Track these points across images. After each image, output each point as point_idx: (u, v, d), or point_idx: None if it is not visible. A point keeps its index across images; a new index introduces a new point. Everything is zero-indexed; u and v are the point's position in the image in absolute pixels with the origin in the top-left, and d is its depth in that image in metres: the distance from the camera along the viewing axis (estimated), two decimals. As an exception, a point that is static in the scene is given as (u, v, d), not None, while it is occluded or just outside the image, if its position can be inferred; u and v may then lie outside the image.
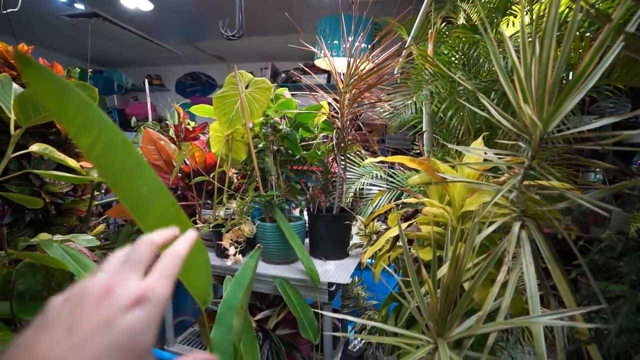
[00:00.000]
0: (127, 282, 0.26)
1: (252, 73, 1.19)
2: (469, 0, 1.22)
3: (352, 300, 1.17)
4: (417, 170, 0.80)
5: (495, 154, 0.66)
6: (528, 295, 0.51)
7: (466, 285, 0.67)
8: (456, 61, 1.18)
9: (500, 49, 0.97)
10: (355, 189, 1.36)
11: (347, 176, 1.31)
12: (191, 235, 0.35)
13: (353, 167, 1.42)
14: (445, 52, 1.26)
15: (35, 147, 0.74)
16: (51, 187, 1.21)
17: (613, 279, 0.59)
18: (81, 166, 0.96)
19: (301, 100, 1.26)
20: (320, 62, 2.21)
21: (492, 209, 0.66)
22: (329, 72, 2.82)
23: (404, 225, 0.75)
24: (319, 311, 0.68)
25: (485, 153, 0.65)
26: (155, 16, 2.74)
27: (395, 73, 1.27)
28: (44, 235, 0.89)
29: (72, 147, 1.31)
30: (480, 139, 0.78)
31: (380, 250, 0.94)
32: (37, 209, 1.28)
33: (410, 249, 0.75)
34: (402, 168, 1.44)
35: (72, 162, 0.82)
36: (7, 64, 1.11)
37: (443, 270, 0.59)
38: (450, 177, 0.69)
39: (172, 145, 1.34)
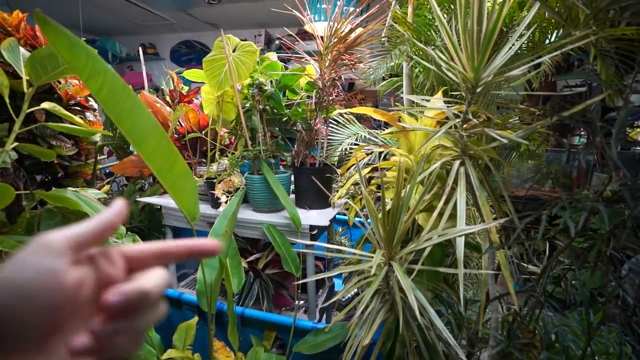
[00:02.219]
0: None
1: (245, 40, 1.25)
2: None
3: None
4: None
5: (445, 102, 0.76)
6: (457, 216, 0.63)
7: (419, 218, 0.80)
8: (436, 22, 1.24)
9: (469, 9, 1.03)
10: (343, 149, 1.47)
11: (335, 137, 1.40)
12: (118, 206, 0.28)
13: (340, 129, 1.52)
14: (426, 14, 1.31)
15: (46, 105, 0.84)
16: (58, 149, 1.32)
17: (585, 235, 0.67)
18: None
19: (293, 65, 1.33)
20: (308, 27, 2.23)
21: (440, 151, 0.77)
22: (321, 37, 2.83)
23: (367, 170, 0.86)
24: (303, 250, 0.80)
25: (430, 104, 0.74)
26: (146, -19, 2.71)
27: (382, 35, 1.33)
28: (56, 190, 1.01)
29: (74, 113, 1.40)
30: (440, 92, 0.87)
31: (352, 197, 1.06)
32: (46, 171, 1.40)
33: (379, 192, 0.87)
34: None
35: (77, 118, 0.92)
36: (4, 31, 1.18)
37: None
38: (408, 126, 0.79)
39: (168, 108, 1.43)
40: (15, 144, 0.80)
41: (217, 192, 1.06)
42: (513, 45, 0.62)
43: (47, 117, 1.12)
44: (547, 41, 0.94)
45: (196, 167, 1.31)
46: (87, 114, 1.47)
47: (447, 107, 0.74)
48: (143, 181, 1.63)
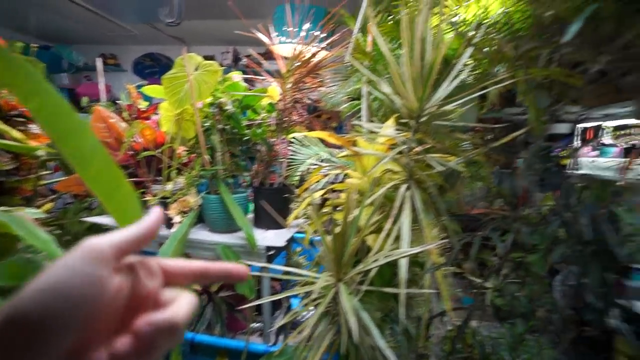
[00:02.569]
0: None
1: (213, 56, 1.26)
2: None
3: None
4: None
5: (396, 130, 0.81)
6: (402, 238, 0.66)
7: (368, 239, 0.83)
8: (392, 52, 1.33)
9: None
10: (304, 169, 1.49)
11: (297, 157, 1.42)
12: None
13: (302, 150, 1.54)
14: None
15: (-23, 117, 0.78)
16: (-6, 163, 1.22)
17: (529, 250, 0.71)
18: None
19: (257, 85, 1.34)
20: (275, 49, 2.28)
21: (390, 175, 0.81)
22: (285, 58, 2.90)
23: (321, 192, 0.88)
24: (257, 273, 0.79)
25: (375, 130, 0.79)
26: (108, -8, 2.64)
27: (345, 60, 1.39)
28: (-15, 207, 0.92)
29: (15, 125, 1.31)
30: (392, 119, 0.93)
31: (309, 217, 1.07)
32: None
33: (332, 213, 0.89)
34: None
35: (15, 133, 0.87)
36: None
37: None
38: (360, 150, 0.83)
39: (123, 124, 1.38)
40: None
41: (171, 212, 1.03)
42: (452, 81, 0.68)
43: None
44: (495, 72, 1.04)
45: (151, 185, 1.26)
46: (31, 125, 1.38)
47: (397, 134, 0.79)
48: (90, 199, 1.53)
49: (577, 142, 2.26)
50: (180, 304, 0.24)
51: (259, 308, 1.19)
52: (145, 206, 1.24)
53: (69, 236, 1.42)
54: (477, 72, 0.99)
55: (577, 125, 2.09)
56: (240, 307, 1.10)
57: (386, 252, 0.66)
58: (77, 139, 0.49)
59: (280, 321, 1.28)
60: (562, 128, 2.50)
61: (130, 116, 1.52)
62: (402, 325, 0.81)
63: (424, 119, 0.72)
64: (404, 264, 0.61)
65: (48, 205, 1.52)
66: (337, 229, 0.68)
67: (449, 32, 0.95)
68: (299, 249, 1.35)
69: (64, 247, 1.25)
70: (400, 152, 0.72)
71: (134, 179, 1.36)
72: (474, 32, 0.75)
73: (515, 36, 0.76)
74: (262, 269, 1.06)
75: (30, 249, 0.93)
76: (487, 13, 0.85)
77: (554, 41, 0.64)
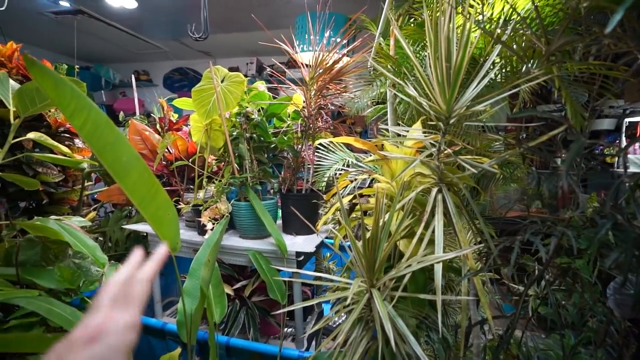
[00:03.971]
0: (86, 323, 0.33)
1: (237, 68, 1.30)
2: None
3: (323, 273, 1.31)
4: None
5: (423, 132, 0.79)
6: (435, 243, 0.65)
7: (400, 244, 0.81)
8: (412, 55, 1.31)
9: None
10: (330, 175, 1.49)
11: (323, 163, 1.43)
12: (159, 254, 0.43)
13: (328, 155, 1.55)
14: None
15: (32, 135, 0.85)
16: (44, 177, 1.32)
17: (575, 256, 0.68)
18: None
19: (282, 93, 1.37)
20: (297, 57, 2.33)
21: (419, 179, 0.79)
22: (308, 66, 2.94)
23: (349, 197, 0.88)
24: (287, 279, 0.80)
25: (407, 133, 0.78)
26: (141, 13, 2.81)
27: (368, 66, 1.39)
28: (38, 219, 1.00)
29: (62, 140, 1.41)
30: (419, 122, 0.91)
31: (339, 222, 1.07)
32: (31, 198, 1.39)
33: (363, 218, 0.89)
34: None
35: (63, 148, 0.93)
36: (-1, 62, 1.21)
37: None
38: (388, 154, 0.82)
39: (157, 136, 1.45)
40: (-1, 173, 0.80)
41: (203, 219, 1.06)
42: (481, 81, 0.66)
43: (34, 144, 1.12)
44: (524, 69, 1.00)
45: (183, 194, 1.31)
46: (76, 140, 1.48)
47: (425, 136, 0.77)
48: (130, 208, 1.62)
49: (624, 139, 2.11)
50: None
51: (291, 313, 1.19)
52: (179, 214, 1.29)
53: (110, 243, 1.50)
54: (506, 70, 0.96)
55: (625, 120, 1.95)
56: (274, 312, 1.11)
57: (419, 258, 0.65)
58: (116, 151, 0.53)
59: (312, 326, 1.28)
60: (606, 124, 2.34)
61: (162, 128, 1.60)
62: (438, 333, 0.79)
63: (453, 120, 0.70)
64: (439, 270, 0.60)
65: (92, 214, 1.62)
66: (368, 234, 0.68)
67: (475, 31, 0.92)
68: (328, 254, 1.35)
69: (107, 252, 1.31)
70: (429, 155, 0.71)
71: (168, 187, 1.43)
72: (501, 29, 0.73)
73: (546, 30, 0.72)
74: (293, 274, 1.07)
75: (79, 254, 1.00)
76: (514, 9, 0.82)
77: (591, 33, 0.61)
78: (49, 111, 1.35)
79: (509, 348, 0.63)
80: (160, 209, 0.56)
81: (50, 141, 0.90)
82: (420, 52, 1.31)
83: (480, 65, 0.97)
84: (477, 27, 0.92)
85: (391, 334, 0.50)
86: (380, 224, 0.66)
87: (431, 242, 0.68)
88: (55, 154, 1.13)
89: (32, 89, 0.75)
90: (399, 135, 1.04)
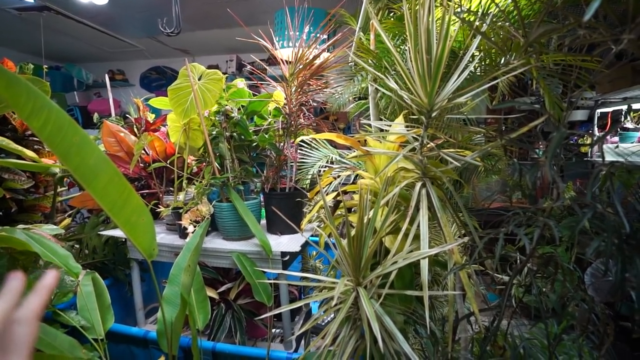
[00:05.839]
0: None
1: (217, 65, 1.26)
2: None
3: (310, 272, 1.29)
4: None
5: (406, 127, 0.79)
6: (421, 238, 0.64)
7: (385, 240, 0.80)
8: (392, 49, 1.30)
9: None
10: (315, 172, 1.48)
11: (307, 160, 1.41)
12: (47, 282, 0.32)
13: (311, 152, 1.53)
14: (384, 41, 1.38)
15: (-9, 139, 0.79)
16: (10, 183, 1.24)
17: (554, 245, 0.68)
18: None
19: (262, 90, 1.34)
20: (276, 53, 2.29)
21: (403, 173, 0.79)
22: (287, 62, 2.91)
23: (333, 195, 0.86)
24: (272, 280, 0.78)
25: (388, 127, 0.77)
26: (112, 10, 2.69)
27: (349, 61, 1.38)
28: (4, 229, 0.94)
29: (30, 144, 1.33)
30: (401, 116, 0.90)
31: (323, 221, 1.06)
32: (-2, 205, 1.31)
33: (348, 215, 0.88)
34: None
35: (29, 153, 0.88)
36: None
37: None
38: (371, 150, 0.81)
39: (133, 137, 1.39)
40: (-43, 182, 0.74)
41: (184, 222, 1.03)
42: (460, 74, 0.66)
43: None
44: (504, 61, 1.01)
45: (163, 196, 1.27)
46: (46, 144, 1.40)
47: (407, 130, 0.76)
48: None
49: (596, 129, 2.18)
50: None
51: (278, 314, 1.17)
52: (159, 217, 1.25)
53: (87, 250, 1.44)
54: (485, 63, 0.96)
55: (597, 111, 2.01)
56: (260, 317, 1.09)
57: (405, 254, 0.64)
58: (82, 153, 0.49)
59: (300, 327, 1.27)
60: (579, 115, 2.42)
61: (138, 129, 1.54)
62: (426, 329, 0.79)
63: (434, 113, 0.70)
64: (425, 265, 0.59)
65: (66, 221, 1.54)
66: (353, 232, 0.67)
67: (454, 23, 0.92)
68: (314, 252, 1.34)
69: (84, 260, 1.25)
70: (412, 149, 0.70)
71: (146, 190, 1.37)
72: (479, 22, 0.73)
73: (524, 23, 0.73)
74: (279, 275, 1.05)
75: (50, 265, 0.95)
76: (493, 0, 0.82)
77: (567, 24, 0.61)
78: (14, 113, 1.27)
79: (495, 339, 0.64)
80: (134, 214, 0.53)
81: (13, 146, 0.84)
82: (401, 46, 1.30)
83: (460, 57, 0.97)
84: (456, 20, 0.92)
85: (379, 334, 0.49)
86: (365, 220, 0.65)
87: (417, 237, 0.67)
88: (23, 159, 1.07)
89: (-10, 89, 0.69)
90: (381, 130, 1.04)
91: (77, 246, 1.49)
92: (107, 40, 3.42)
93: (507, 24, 0.79)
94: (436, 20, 0.69)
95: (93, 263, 1.44)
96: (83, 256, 1.46)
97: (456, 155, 0.63)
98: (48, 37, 3.01)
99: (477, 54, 0.91)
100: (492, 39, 0.78)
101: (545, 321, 0.63)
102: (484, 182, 1.41)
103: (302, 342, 1.25)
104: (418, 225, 0.67)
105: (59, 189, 1.47)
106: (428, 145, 0.70)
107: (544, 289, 0.68)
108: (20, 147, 0.86)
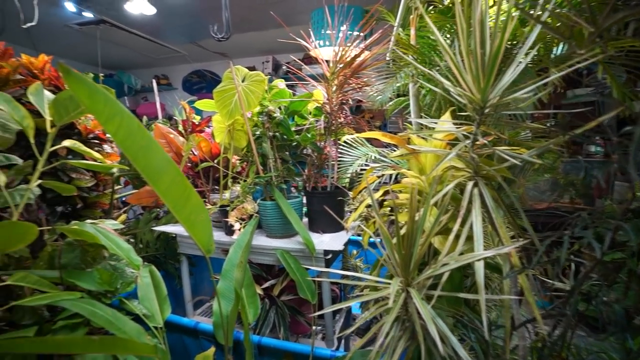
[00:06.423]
0: None
1: (254, 67, 1.30)
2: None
3: (350, 271, 1.29)
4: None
5: (455, 124, 0.76)
6: (474, 239, 0.62)
7: (434, 241, 0.79)
8: (437, 44, 1.26)
9: (471, 29, 1.05)
10: (354, 171, 1.47)
11: (345, 159, 1.41)
12: None
13: (350, 150, 1.53)
14: (429, 36, 1.33)
15: (67, 143, 0.88)
16: (78, 182, 1.36)
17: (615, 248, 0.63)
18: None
19: (302, 91, 1.36)
20: (313, 53, 2.31)
21: (452, 172, 0.76)
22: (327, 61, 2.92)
23: (379, 193, 0.85)
24: (316, 278, 0.79)
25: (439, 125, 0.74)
26: (159, 19, 2.87)
27: (387, 57, 1.36)
28: (76, 223, 1.04)
29: (92, 146, 1.45)
30: (448, 113, 0.87)
31: (366, 219, 1.05)
32: (67, 202, 1.45)
33: (392, 215, 0.87)
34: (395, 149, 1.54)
35: (95, 154, 0.96)
36: (31, 73, 1.26)
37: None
38: (417, 148, 0.79)
39: (181, 138, 1.47)
40: (39, 181, 0.83)
41: (231, 219, 1.07)
42: (519, 65, 0.63)
43: (68, 151, 1.16)
44: (553, 54, 0.94)
45: (209, 194, 1.33)
46: (105, 146, 1.53)
47: (456, 128, 0.74)
48: (158, 210, 1.66)
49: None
50: None
51: (318, 311, 1.19)
52: (206, 215, 1.31)
53: (141, 244, 1.55)
54: (538, 54, 0.91)
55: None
56: (311, 314, 1.11)
57: (457, 255, 0.62)
58: (148, 155, 0.53)
59: (341, 324, 1.27)
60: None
61: (186, 131, 1.63)
62: (477, 333, 0.76)
63: (487, 110, 0.67)
64: (481, 268, 0.57)
65: (123, 217, 1.67)
66: (403, 231, 0.66)
67: (502, 14, 0.87)
68: (355, 251, 1.33)
69: (139, 253, 1.34)
70: (464, 147, 0.68)
71: (194, 189, 1.45)
72: (539, 9, 0.68)
73: (590, 7, 0.67)
74: (321, 273, 1.06)
75: (114, 257, 1.03)
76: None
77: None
78: (79, 119, 1.39)
79: (560, 351, 0.60)
80: (193, 212, 0.56)
81: (83, 148, 0.93)
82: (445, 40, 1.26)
83: (514, 45, 0.92)
84: (504, 11, 0.87)
85: (437, 337, 0.48)
86: (416, 219, 0.63)
87: (468, 238, 0.65)
88: (87, 160, 1.17)
89: (66, 98, 0.77)
90: (425, 127, 1.01)
91: (132, 240, 1.61)
92: (153, 48, 3.65)
93: (568, 10, 0.73)
94: (489, 10, 0.66)
95: (146, 256, 1.55)
96: (137, 250, 1.57)
97: (513, 154, 0.60)
98: (103, 48, 3.27)
99: (530, 44, 0.86)
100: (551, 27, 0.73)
101: (612, 333, 0.58)
102: (532, 180, 1.33)
103: (342, 340, 1.26)
104: (470, 227, 0.65)
105: (115, 187, 1.59)
106: (479, 143, 0.67)
107: (604, 298, 0.62)
108: (88, 149, 0.94)
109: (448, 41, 1.23)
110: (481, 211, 0.65)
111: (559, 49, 0.94)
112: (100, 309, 0.66)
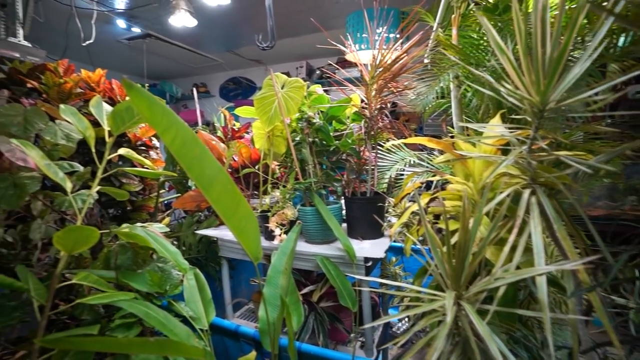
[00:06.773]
0: None
1: (288, 72, 1.32)
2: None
3: (389, 278, 1.26)
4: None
5: (507, 128, 0.72)
6: (534, 252, 0.57)
7: (487, 251, 0.74)
8: (484, 43, 1.20)
9: (530, 26, 0.99)
10: (390, 176, 1.44)
11: (383, 164, 1.39)
12: None
13: (387, 155, 1.50)
14: (472, 35, 1.28)
15: (122, 151, 0.93)
16: (128, 187, 1.45)
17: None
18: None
19: (336, 95, 1.36)
20: (350, 57, 2.30)
21: (506, 179, 0.72)
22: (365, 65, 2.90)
23: (425, 199, 0.82)
24: (358, 288, 0.78)
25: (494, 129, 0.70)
26: (199, 30, 3.00)
27: (425, 60, 1.32)
28: (127, 226, 1.10)
29: (139, 153, 1.54)
30: (497, 116, 0.83)
31: (407, 225, 1.02)
32: (117, 206, 1.55)
33: (437, 222, 0.83)
34: (435, 153, 1.48)
35: (146, 161, 1.02)
36: (88, 86, 1.36)
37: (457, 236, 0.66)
38: (466, 154, 0.75)
39: (222, 144, 1.52)
40: (98, 187, 0.89)
41: (271, 225, 1.08)
42: (585, 62, 0.58)
43: (118, 157, 1.25)
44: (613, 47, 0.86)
45: (249, 200, 1.36)
46: (151, 152, 1.61)
47: (510, 132, 0.70)
48: (200, 214, 1.72)
49: None
50: None
51: (358, 319, 1.17)
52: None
53: (184, 247, 1.61)
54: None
55: None
56: (351, 322, 1.09)
57: (514, 269, 0.58)
58: (201, 164, 0.55)
59: (379, 332, 1.24)
60: None
61: (226, 137, 1.68)
62: (532, 352, 0.70)
63: (547, 113, 0.62)
64: (543, 284, 0.53)
65: (167, 220, 1.76)
66: (454, 240, 0.63)
67: (555, 8, 0.81)
68: (394, 258, 1.30)
69: (182, 256, 1.38)
70: (519, 153, 0.63)
71: (234, 194, 1.49)
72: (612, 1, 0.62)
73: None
74: (362, 281, 1.04)
75: (161, 259, 1.08)
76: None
77: None
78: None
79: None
80: (243, 220, 0.57)
81: (136, 156, 0.99)
82: (486, 40, 1.20)
83: (574, 45, 0.85)
84: (555, 6, 0.81)
85: (499, 355, 0.45)
86: (470, 228, 0.60)
87: (527, 250, 0.61)
88: (136, 166, 1.25)
89: (122, 109, 0.82)
90: (468, 131, 0.96)
91: (176, 243, 1.68)
92: (192, 58, 3.83)
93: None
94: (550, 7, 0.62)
95: (188, 259, 1.61)
96: (181, 252, 1.64)
97: (580, 159, 0.55)
98: (148, 60, 3.49)
99: (589, 40, 0.79)
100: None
101: None
102: (586, 186, 1.22)
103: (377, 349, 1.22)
104: (527, 238, 0.60)
105: (160, 191, 1.68)
106: (538, 147, 0.63)
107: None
108: (140, 157, 1.00)
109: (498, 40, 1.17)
110: (540, 221, 0.61)
111: (620, 41, 0.87)
112: (153, 310, 0.69)
